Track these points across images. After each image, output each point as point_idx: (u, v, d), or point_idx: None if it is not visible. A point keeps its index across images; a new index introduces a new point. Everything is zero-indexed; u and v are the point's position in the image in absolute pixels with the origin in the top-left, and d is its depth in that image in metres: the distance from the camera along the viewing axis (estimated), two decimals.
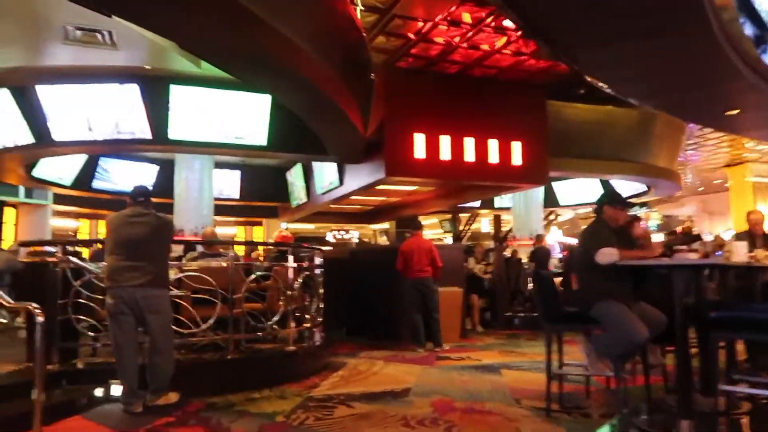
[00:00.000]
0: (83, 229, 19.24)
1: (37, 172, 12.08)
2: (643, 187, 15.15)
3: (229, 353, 5.26)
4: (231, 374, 5.21)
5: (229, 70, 6.48)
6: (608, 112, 11.82)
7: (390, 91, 9.30)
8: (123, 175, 14.53)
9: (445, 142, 9.48)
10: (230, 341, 5.30)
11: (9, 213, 16.19)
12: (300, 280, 6.07)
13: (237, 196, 15.95)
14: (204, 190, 12.34)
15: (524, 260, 11.58)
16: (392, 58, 9.08)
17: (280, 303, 5.82)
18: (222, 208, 16.00)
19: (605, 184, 16.41)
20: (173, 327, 4.75)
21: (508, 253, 11.50)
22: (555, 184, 17.10)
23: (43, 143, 8.76)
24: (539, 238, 11.47)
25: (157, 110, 8.58)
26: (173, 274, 5.53)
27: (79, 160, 13.33)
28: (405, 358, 7.16)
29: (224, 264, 5.49)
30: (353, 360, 6.99)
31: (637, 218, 4.58)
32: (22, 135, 8.75)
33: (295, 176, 15.32)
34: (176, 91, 8.60)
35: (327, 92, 7.07)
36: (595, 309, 4.00)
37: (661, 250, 4.52)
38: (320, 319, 6.84)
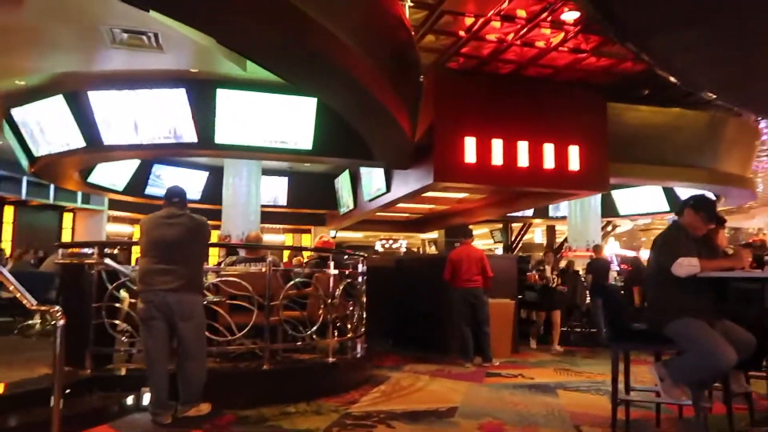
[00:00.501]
0: (137, 234, 19.64)
1: (92, 179, 12.33)
2: (710, 197, 14.17)
3: (265, 363, 4.98)
4: (266, 386, 4.94)
5: (274, 70, 6.28)
6: (674, 115, 11.07)
7: (440, 93, 8.95)
8: (175, 181, 14.58)
9: (497, 146, 9.03)
10: (266, 351, 5.02)
11: (67, 218, 16.71)
12: (341, 287, 5.76)
13: (284, 202, 15.92)
14: (251, 196, 12.29)
15: (581, 272, 10.94)
16: (442, 59, 8.73)
17: (320, 311, 5.52)
18: (270, 215, 16.02)
19: (668, 193, 15.51)
20: (207, 334, 4.53)
21: (563, 264, 10.88)
22: (614, 193, 16.32)
23: (94, 147, 8.83)
24: (597, 249, 10.80)
25: (204, 114, 8.51)
26: (210, 279, 5.34)
27: (132, 166, 13.55)
28: (452, 373, 6.75)
29: (263, 269, 5.25)
30: (397, 374, 6.63)
31: (722, 222, 4.01)
32: (74, 139, 8.85)
33: (342, 183, 15.14)
34: (222, 95, 8.52)
35: (375, 94, 6.80)
36: (671, 327, 3.50)
37: (751, 260, 3.92)
38: (363, 330, 6.52)
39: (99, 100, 8.50)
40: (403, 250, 25.98)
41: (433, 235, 22.95)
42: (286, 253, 11.62)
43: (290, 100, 8.78)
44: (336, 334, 5.89)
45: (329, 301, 5.55)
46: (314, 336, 5.58)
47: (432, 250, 24.81)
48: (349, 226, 18.12)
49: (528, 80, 9.24)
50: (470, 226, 8.97)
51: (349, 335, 5.99)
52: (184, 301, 4.16)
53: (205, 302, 4.86)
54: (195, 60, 7.75)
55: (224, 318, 5.03)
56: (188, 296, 4.19)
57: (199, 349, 4.28)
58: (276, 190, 15.77)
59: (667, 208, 15.90)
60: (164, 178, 14.42)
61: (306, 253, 8.29)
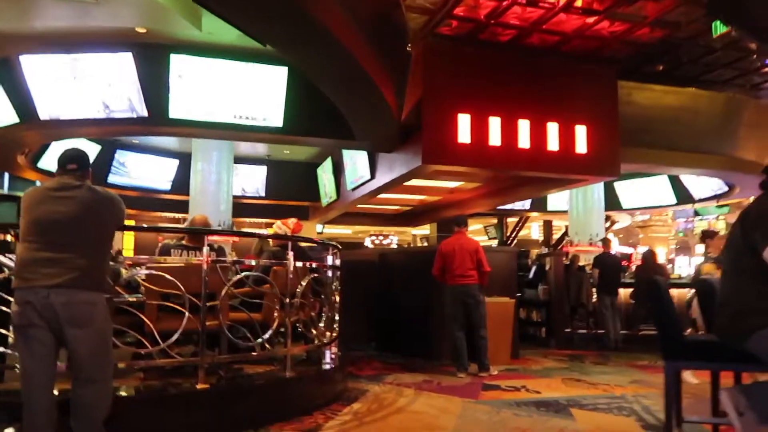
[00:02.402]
0: None
1: (43, 164, 11.12)
2: (722, 187, 13.15)
3: (200, 381, 3.84)
4: (201, 411, 3.80)
5: (238, 22, 5.14)
6: (689, 96, 10.01)
7: (429, 64, 7.81)
8: (141, 169, 13.55)
9: (494, 124, 7.92)
10: (202, 365, 3.88)
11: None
12: (303, 284, 4.63)
13: (263, 193, 14.75)
14: (222, 184, 11.17)
15: (587, 268, 9.88)
16: (432, 22, 7.59)
17: (275, 314, 4.39)
18: (247, 208, 14.85)
19: (675, 184, 14.49)
20: (118, 344, 3.39)
21: (566, 259, 9.80)
22: (616, 184, 15.29)
23: (29, 122, 7.64)
24: (606, 243, 9.72)
25: (155, 84, 7.35)
26: (125, 274, 4.20)
27: (91, 152, 12.32)
28: (442, 385, 5.71)
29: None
30: (376, 386, 5.57)
31: None
32: (6, 114, 7.66)
33: (325, 172, 13.99)
34: (177, 62, 7.35)
35: (359, 60, 5.72)
36: (757, 340, 2.39)
37: None
38: (334, 335, 5.40)
39: (31, 66, 7.31)
40: (394, 246, 24.89)
41: (425, 230, 21.87)
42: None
43: (257, 69, 7.63)
44: (302, 341, 4.78)
45: (287, 300, 4.42)
46: (267, 345, 4.45)
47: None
48: (337, 220, 16.96)
49: (530, 50, 8.12)
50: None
51: (314, 342, 4.86)
52: (76, 303, 2.96)
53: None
54: (141, 15, 6.57)
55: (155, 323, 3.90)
56: (82, 295, 2.99)
57: (99, 369, 3.07)
58: (254, 180, 14.61)
59: (674, 200, 14.90)
60: (129, 166, 13.25)
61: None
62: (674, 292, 10.01)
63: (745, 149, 10.52)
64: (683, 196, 14.51)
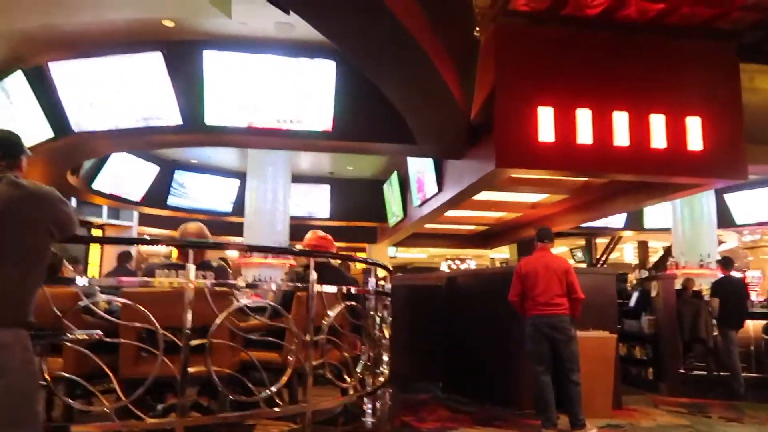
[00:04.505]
0: (175, 253, 18.14)
1: (99, 186, 10.74)
2: None
3: None
4: None
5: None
6: None
7: (502, 49, 6.53)
8: (201, 191, 13.03)
9: (584, 118, 6.48)
10: (178, 430, 2.77)
11: (95, 235, 15.32)
12: (331, 314, 3.45)
13: (327, 215, 13.84)
14: (278, 203, 10.30)
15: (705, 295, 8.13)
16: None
17: (291, 354, 3.24)
18: (309, 230, 13.96)
19: None
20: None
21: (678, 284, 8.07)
22: (727, 197, 13.18)
23: (64, 135, 7.06)
24: (727, 264, 7.92)
25: (188, 86, 6.56)
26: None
27: (150, 173, 11.93)
28: None
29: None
30: None
31: None
32: (40, 129, 7.11)
33: (391, 189, 12.91)
34: (211, 59, 6.53)
35: (420, 44, 4.66)
36: None
37: None
38: (381, 380, 4.19)
39: (61, 74, 6.73)
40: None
41: (504, 253, 20.23)
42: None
43: (300, 64, 6.66)
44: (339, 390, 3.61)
45: (307, 337, 3.26)
46: (284, 396, 3.30)
47: None
48: (408, 242, 15.79)
49: (626, 25, 6.63)
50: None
51: (349, 392, 3.65)
52: None
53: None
54: (167, 4, 5.79)
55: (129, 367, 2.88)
56: None
57: None
58: (316, 200, 13.75)
59: None
60: (188, 187, 12.76)
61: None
62: None
63: None
64: None
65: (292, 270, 4.11)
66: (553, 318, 4.90)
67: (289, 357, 3.24)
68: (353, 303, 3.74)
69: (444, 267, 25.77)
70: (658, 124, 6.67)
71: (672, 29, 6.73)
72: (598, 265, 17.40)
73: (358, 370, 3.73)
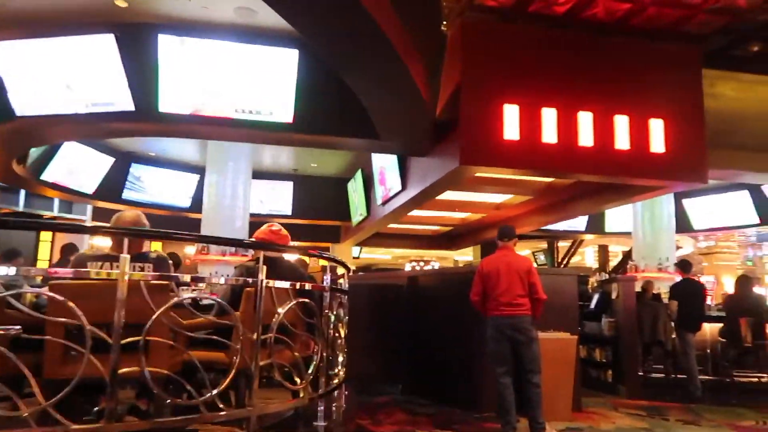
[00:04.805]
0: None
1: (49, 176, 10.23)
2: None
3: None
4: None
5: None
6: None
7: (469, 44, 6.42)
8: (159, 185, 12.57)
9: (549, 117, 6.43)
10: None
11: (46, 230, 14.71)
12: (281, 311, 3.23)
13: (289, 212, 13.54)
14: (238, 199, 9.97)
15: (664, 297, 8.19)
16: None
17: (235, 354, 3.00)
18: None
19: (759, 199, 12.54)
20: None
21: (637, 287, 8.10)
22: (686, 202, 13.43)
23: (6, 119, 6.63)
24: (686, 267, 7.98)
25: (142, 72, 6.23)
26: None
27: (104, 165, 11.45)
28: None
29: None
30: None
31: None
32: None
33: (355, 187, 12.71)
34: (166, 44, 6.21)
35: (387, 34, 4.48)
36: None
37: None
38: (335, 381, 3.99)
39: (4, 54, 6.32)
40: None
41: (467, 256, 20.24)
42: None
43: (261, 51, 6.40)
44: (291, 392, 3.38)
45: (255, 336, 3.04)
46: (228, 397, 3.08)
47: None
48: (372, 242, 15.59)
49: (593, 25, 6.62)
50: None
51: (299, 395, 3.43)
52: None
53: None
54: None
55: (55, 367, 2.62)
56: None
57: None
58: (278, 198, 13.44)
59: (756, 220, 12.89)
60: (145, 181, 12.30)
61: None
62: None
63: None
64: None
65: (242, 265, 3.85)
66: (514, 318, 4.78)
67: (234, 357, 3.01)
68: (306, 300, 3.52)
69: (408, 268, 25.67)
70: (622, 125, 6.66)
71: (639, 31, 6.73)
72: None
73: (310, 371, 3.52)
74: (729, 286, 23.63)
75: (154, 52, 6.20)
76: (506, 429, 4.74)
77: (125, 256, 2.67)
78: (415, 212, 10.41)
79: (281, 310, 3.28)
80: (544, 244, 19.72)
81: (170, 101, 6.35)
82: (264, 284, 3.12)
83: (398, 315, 6.93)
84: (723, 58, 7.63)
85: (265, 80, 6.48)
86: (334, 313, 3.92)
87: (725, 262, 26.42)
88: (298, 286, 3.52)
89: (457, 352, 6.13)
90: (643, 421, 5.74)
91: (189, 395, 2.90)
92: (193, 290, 5.38)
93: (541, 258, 20.27)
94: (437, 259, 26.55)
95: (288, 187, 13.48)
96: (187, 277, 3.42)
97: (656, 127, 6.74)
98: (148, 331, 2.72)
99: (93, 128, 7.03)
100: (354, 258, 19.22)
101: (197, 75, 6.35)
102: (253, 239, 4.03)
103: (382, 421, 5.30)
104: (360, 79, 5.79)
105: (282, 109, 6.60)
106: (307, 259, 6.89)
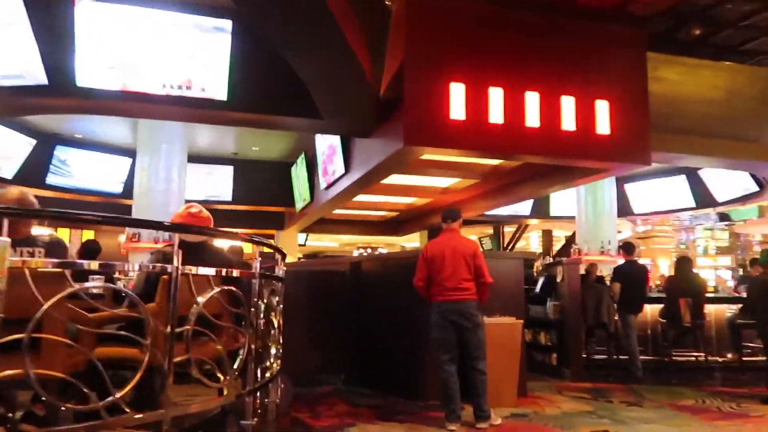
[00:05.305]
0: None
1: None
2: (750, 186, 11.53)
3: None
4: None
5: None
6: (726, 71, 8.40)
7: (414, 19, 6.13)
8: (87, 169, 11.78)
9: (496, 97, 6.24)
10: None
11: None
12: (200, 301, 2.89)
13: (229, 198, 13.00)
14: (172, 183, 9.42)
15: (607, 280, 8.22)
16: None
17: (145, 349, 2.65)
18: (212, 214, 12.99)
19: (695, 183, 12.89)
20: None
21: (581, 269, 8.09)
22: (627, 186, 13.69)
23: None
24: (629, 249, 8.03)
25: (56, 42, 5.64)
26: None
27: (23, 145, 10.60)
28: None
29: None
30: None
31: None
32: None
33: (298, 172, 12.29)
34: (85, 11, 5.65)
35: (327, 4, 4.14)
36: None
37: None
38: (268, 375, 3.67)
39: None
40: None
41: (414, 242, 20.14)
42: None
43: (191, 21, 5.93)
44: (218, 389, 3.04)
45: (167, 330, 2.68)
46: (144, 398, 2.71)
47: None
48: (317, 229, 15.20)
49: (541, 4, 6.46)
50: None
51: (227, 392, 3.10)
52: None
53: None
54: None
55: None
56: None
57: None
58: (218, 183, 12.87)
59: (692, 204, 13.27)
60: (72, 165, 11.50)
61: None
62: (711, 308, 8.39)
63: None
64: (704, 198, 12.90)
65: (159, 250, 3.47)
66: (460, 304, 4.59)
67: (146, 353, 2.65)
68: (232, 288, 3.18)
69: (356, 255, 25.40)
70: (568, 106, 6.54)
71: (585, 11, 6.61)
72: None
73: (236, 365, 3.19)
74: (664, 269, 24.56)
75: (70, 18, 5.63)
76: (450, 418, 4.57)
77: (4, 240, 2.25)
78: (361, 197, 10.12)
79: (201, 299, 2.93)
80: (490, 230, 19.86)
81: (89, 74, 5.79)
82: (179, 271, 2.76)
83: (341, 302, 6.65)
84: (667, 42, 7.66)
85: (195, 53, 6.01)
86: (265, 301, 3.59)
87: (660, 245, 27.46)
88: (224, 272, 3.18)
89: (402, 340, 5.92)
90: (587, 404, 5.70)
91: (100, 396, 2.54)
92: (115, 281, 4.92)
93: (488, 243, 20.42)
94: (385, 246, 26.41)
95: (228, 171, 12.92)
96: (94, 265, 3.01)
97: (602, 109, 6.65)
98: (38, 326, 2.33)
99: (1, 104, 6.36)
100: (300, 245, 18.81)
101: (120, 45, 5.82)
102: (174, 221, 3.63)
103: (321, 414, 5.04)
104: (297, 52, 5.44)
105: (215, 85, 6.15)
106: (249, 246, 6.51)
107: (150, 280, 3.14)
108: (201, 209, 3.57)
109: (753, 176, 11.30)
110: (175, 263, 2.77)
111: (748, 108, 8.39)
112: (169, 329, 2.71)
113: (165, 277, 2.92)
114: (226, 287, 3.15)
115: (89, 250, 6.20)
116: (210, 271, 3.07)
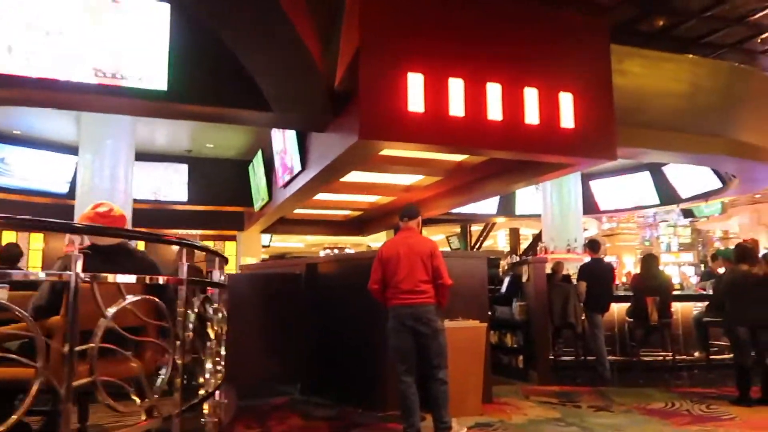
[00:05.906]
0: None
1: None
2: (712, 183, 11.54)
3: None
4: None
5: None
6: (689, 64, 8.32)
7: (369, 6, 5.77)
8: (29, 168, 11.07)
9: (456, 88, 5.92)
10: None
11: None
12: (111, 311, 2.47)
13: (184, 198, 12.42)
14: (117, 182, 8.86)
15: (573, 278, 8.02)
16: None
17: (38, 373, 2.22)
18: (162, 216, 12.40)
19: (659, 181, 12.88)
20: None
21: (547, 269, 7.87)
22: (593, 184, 13.61)
23: None
24: (595, 247, 7.83)
25: None
26: None
27: None
28: None
29: None
30: None
31: None
32: None
33: (256, 170, 11.81)
34: None
35: None
36: None
37: None
38: (202, 392, 3.28)
39: None
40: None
41: (379, 242, 19.78)
42: None
43: (126, 3, 5.45)
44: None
45: (65, 348, 2.26)
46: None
47: None
48: (281, 229, 14.62)
49: None
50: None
51: (152, 412, 2.69)
52: None
53: None
54: None
55: None
56: None
57: None
58: (171, 182, 12.27)
59: (657, 201, 13.27)
60: (11, 163, 10.79)
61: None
62: (677, 306, 8.26)
63: (747, 131, 8.83)
64: (668, 195, 12.90)
65: (68, 255, 3.02)
66: (417, 308, 4.24)
67: (38, 376, 2.22)
68: (150, 298, 2.76)
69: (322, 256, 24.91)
70: (531, 98, 6.26)
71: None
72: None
73: (158, 384, 2.78)
74: (629, 266, 24.77)
75: None
76: (409, 431, 4.21)
77: None
78: (321, 196, 9.71)
79: (111, 311, 2.52)
80: (457, 228, 19.65)
81: (9, 60, 5.25)
82: (79, 279, 2.34)
83: (296, 307, 6.24)
84: (630, 34, 7.49)
85: (130, 38, 5.52)
86: (195, 311, 3.17)
87: (625, 243, 27.74)
88: (148, 280, 2.78)
89: (360, 347, 5.56)
90: (555, 410, 5.44)
91: None
92: None
93: (455, 242, 20.20)
94: (352, 246, 26.00)
95: (182, 170, 12.33)
96: None
97: (566, 101, 6.40)
98: None
99: None
100: (264, 246, 18.27)
101: (44, 27, 5.29)
102: (83, 220, 3.18)
103: (271, 429, 4.64)
104: (240, 41, 5.02)
105: (153, 74, 5.67)
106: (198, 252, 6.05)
107: (56, 289, 2.71)
108: (112, 208, 3.14)
109: (716, 172, 11.31)
110: (75, 269, 2.35)
111: (711, 102, 8.30)
112: (66, 348, 2.29)
113: (85, 285, 2.50)
114: (146, 297, 2.75)
115: (9, 255, 5.66)
116: (127, 279, 2.67)
